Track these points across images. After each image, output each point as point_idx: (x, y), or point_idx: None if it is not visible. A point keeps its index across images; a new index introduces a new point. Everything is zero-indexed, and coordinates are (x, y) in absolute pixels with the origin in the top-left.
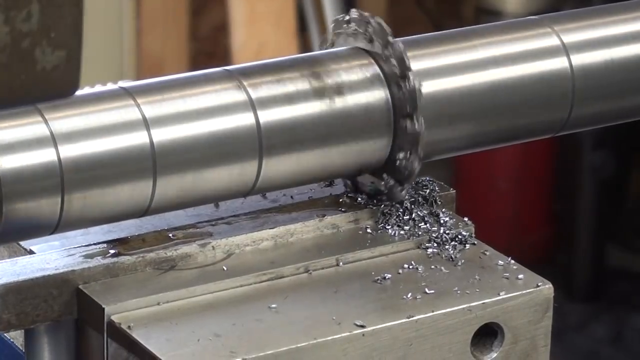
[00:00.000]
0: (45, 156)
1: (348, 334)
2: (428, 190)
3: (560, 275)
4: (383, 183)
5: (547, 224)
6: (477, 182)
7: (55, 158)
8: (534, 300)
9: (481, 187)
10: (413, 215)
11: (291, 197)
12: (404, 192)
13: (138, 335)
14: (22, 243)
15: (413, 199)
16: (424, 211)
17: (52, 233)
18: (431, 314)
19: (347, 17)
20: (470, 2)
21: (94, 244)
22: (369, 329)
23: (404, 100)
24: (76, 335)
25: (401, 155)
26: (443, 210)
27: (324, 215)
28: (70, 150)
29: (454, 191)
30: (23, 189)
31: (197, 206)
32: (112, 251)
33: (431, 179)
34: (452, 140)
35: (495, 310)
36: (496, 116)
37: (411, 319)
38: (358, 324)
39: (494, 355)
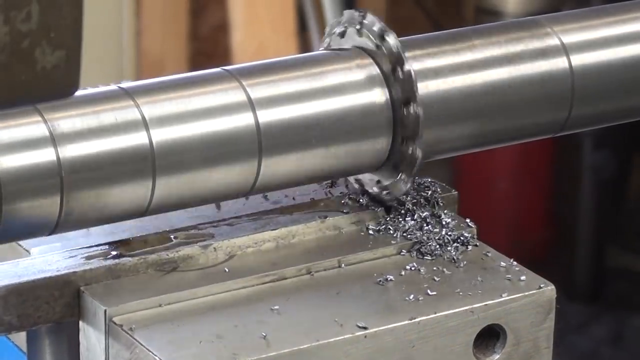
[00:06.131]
0: (44, 156)
1: (350, 335)
2: (430, 192)
3: (560, 276)
4: (383, 182)
5: (547, 225)
6: (477, 183)
7: (54, 158)
8: (537, 302)
9: (481, 187)
10: (415, 217)
11: (293, 198)
12: (404, 189)
13: (140, 337)
14: (23, 244)
15: (415, 201)
16: (426, 212)
17: (51, 233)
18: (433, 315)
19: (347, 17)
20: (470, 2)
21: (96, 245)
22: (371, 330)
23: (402, 98)
24: (78, 336)
25: (401, 152)
26: (445, 211)
27: (325, 217)
28: (70, 150)
29: (456, 192)
30: (22, 188)
31: (197, 206)
32: (113, 252)
33: (433, 181)
34: (452, 140)
35: (497, 311)
36: (496, 116)
37: (413, 320)
38: (360, 325)
39: (497, 357)
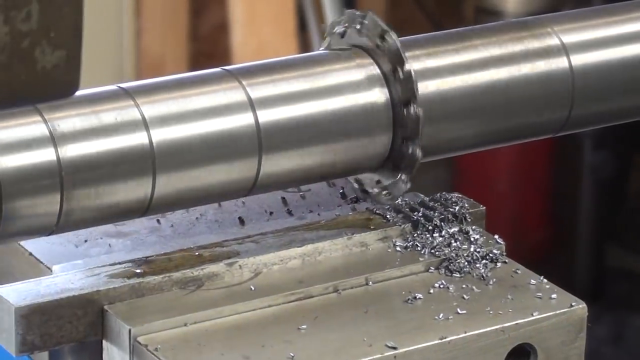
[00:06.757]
0: (44, 156)
1: (380, 356)
2: (457, 207)
3: (560, 276)
4: (383, 182)
5: (547, 225)
6: (477, 183)
7: (54, 158)
8: (568, 321)
9: (481, 187)
10: (443, 233)
11: (318, 214)
12: (404, 189)
13: (165, 357)
14: (45, 262)
15: (442, 216)
16: (454, 228)
17: (51, 233)
18: (464, 335)
19: (348, 17)
20: (470, 2)
21: (119, 263)
22: (401, 350)
23: (402, 98)
24: (101, 356)
25: (401, 152)
26: (473, 227)
27: (352, 233)
28: (70, 150)
29: (484, 208)
30: (22, 188)
31: (198, 206)
32: (137, 270)
33: (460, 196)
34: (452, 140)
35: (528, 330)
36: (496, 116)
37: (443, 340)
38: (390, 345)
39: None
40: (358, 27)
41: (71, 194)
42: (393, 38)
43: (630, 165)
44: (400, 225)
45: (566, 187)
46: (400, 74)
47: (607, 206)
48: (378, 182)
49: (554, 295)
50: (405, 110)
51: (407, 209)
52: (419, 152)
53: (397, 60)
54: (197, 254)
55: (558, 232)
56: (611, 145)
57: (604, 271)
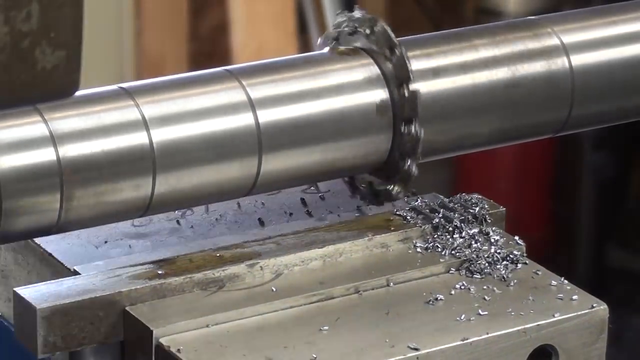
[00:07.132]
0: (44, 156)
1: (402, 357)
2: (477, 209)
3: (560, 276)
4: (376, 186)
5: (547, 224)
6: (477, 182)
7: (54, 158)
8: (589, 322)
9: (481, 187)
10: (463, 234)
11: (338, 215)
12: (395, 199)
13: (188, 358)
14: (65, 263)
15: (463, 217)
16: (474, 230)
17: (52, 233)
18: (486, 336)
19: (349, 16)
20: (470, 2)
21: (140, 264)
22: (423, 351)
23: (403, 101)
24: (123, 357)
25: (398, 167)
26: (493, 228)
27: (373, 234)
28: (70, 150)
29: (504, 209)
30: (23, 188)
31: (198, 206)
32: (158, 272)
33: (480, 197)
34: (452, 140)
35: (550, 332)
36: (496, 116)
37: (465, 341)
38: (412, 346)
39: None
40: (358, 27)
41: (71, 193)
42: (400, 46)
43: (630, 165)
44: (421, 227)
45: (566, 187)
46: (404, 87)
47: (607, 206)
48: (370, 183)
49: (575, 297)
50: (402, 92)
51: (427, 210)
52: (414, 170)
53: (401, 71)
54: (218, 255)
55: (558, 231)
56: (611, 145)
57: (604, 271)
